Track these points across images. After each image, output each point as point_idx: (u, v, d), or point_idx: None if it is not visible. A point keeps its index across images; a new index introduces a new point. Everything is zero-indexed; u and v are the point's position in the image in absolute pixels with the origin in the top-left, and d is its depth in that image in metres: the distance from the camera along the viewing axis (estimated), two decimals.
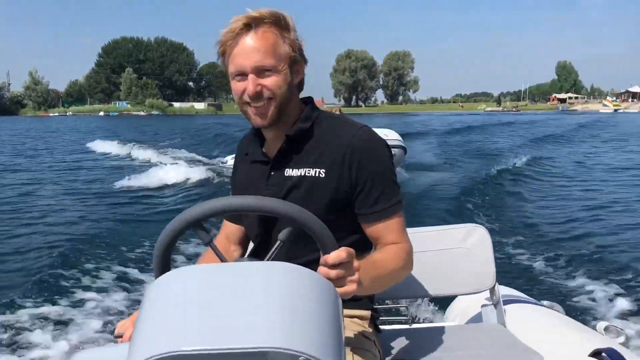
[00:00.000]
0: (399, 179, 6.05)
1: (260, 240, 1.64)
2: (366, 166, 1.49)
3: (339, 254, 1.14)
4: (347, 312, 1.57)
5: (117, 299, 4.73)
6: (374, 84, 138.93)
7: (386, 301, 2.25)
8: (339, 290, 1.13)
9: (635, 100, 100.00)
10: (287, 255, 1.33)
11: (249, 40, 1.41)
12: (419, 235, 1.97)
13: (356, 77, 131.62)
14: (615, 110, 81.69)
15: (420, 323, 2.26)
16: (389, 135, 10.60)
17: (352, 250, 1.17)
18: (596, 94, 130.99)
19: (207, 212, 1.19)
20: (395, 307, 2.31)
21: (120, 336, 1.49)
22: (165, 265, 1.24)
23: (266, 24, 1.43)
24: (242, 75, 1.44)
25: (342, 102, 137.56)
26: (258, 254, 1.61)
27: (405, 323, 2.18)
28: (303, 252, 1.45)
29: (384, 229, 1.51)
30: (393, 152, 5.01)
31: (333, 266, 1.14)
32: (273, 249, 1.23)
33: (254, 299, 0.87)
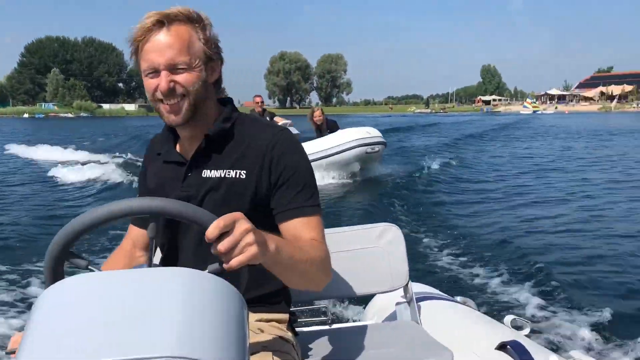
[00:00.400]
0: (377, 172, 7.98)
1: (168, 247, 1.57)
2: (285, 167, 1.46)
3: (217, 223, 1.05)
4: (265, 315, 1.55)
5: (16, 311, 4.35)
6: (308, 86, 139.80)
7: (306, 303, 2.21)
8: (239, 258, 1.06)
9: (552, 102, 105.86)
10: (197, 263, 1.25)
11: (162, 37, 1.38)
12: (335, 236, 1.97)
13: (290, 79, 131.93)
14: (534, 111, 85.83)
15: (340, 323, 2.23)
16: (371, 132, 10.74)
17: (235, 213, 1.09)
18: (519, 96, 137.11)
19: (78, 229, 1.10)
20: (316, 309, 2.29)
21: (14, 352, 1.38)
22: (56, 274, 1.14)
23: (179, 20, 1.39)
24: (155, 72, 1.40)
25: (277, 103, 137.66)
26: (166, 263, 1.54)
27: (325, 324, 2.17)
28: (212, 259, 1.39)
29: (301, 227, 1.45)
30: (377, 149, 7.20)
31: (218, 240, 1.05)
32: (150, 250, 1.17)
33: (146, 307, 0.83)
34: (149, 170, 1.65)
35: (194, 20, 1.42)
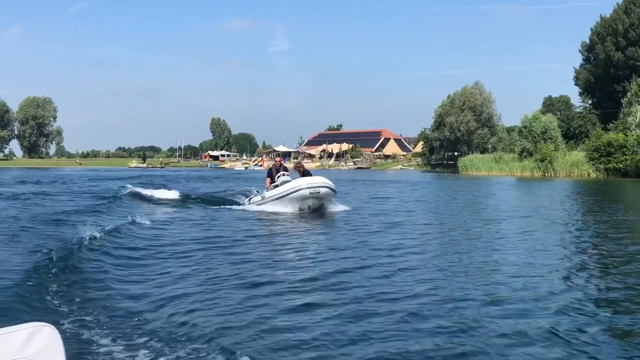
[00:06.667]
0: (328, 209, 15.84)
1: None
2: None
3: None
4: None
5: None
6: (7, 134, 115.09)
7: None
8: None
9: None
10: None
11: None
12: None
13: None
14: (246, 167, 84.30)
15: None
16: (326, 181, 15.30)
17: None
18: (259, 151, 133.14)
19: None
20: None
21: None
22: None
23: None
24: None
25: None
26: None
27: None
28: None
29: None
30: (319, 190, 15.51)
31: None
32: None
33: None
34: None
35: None
